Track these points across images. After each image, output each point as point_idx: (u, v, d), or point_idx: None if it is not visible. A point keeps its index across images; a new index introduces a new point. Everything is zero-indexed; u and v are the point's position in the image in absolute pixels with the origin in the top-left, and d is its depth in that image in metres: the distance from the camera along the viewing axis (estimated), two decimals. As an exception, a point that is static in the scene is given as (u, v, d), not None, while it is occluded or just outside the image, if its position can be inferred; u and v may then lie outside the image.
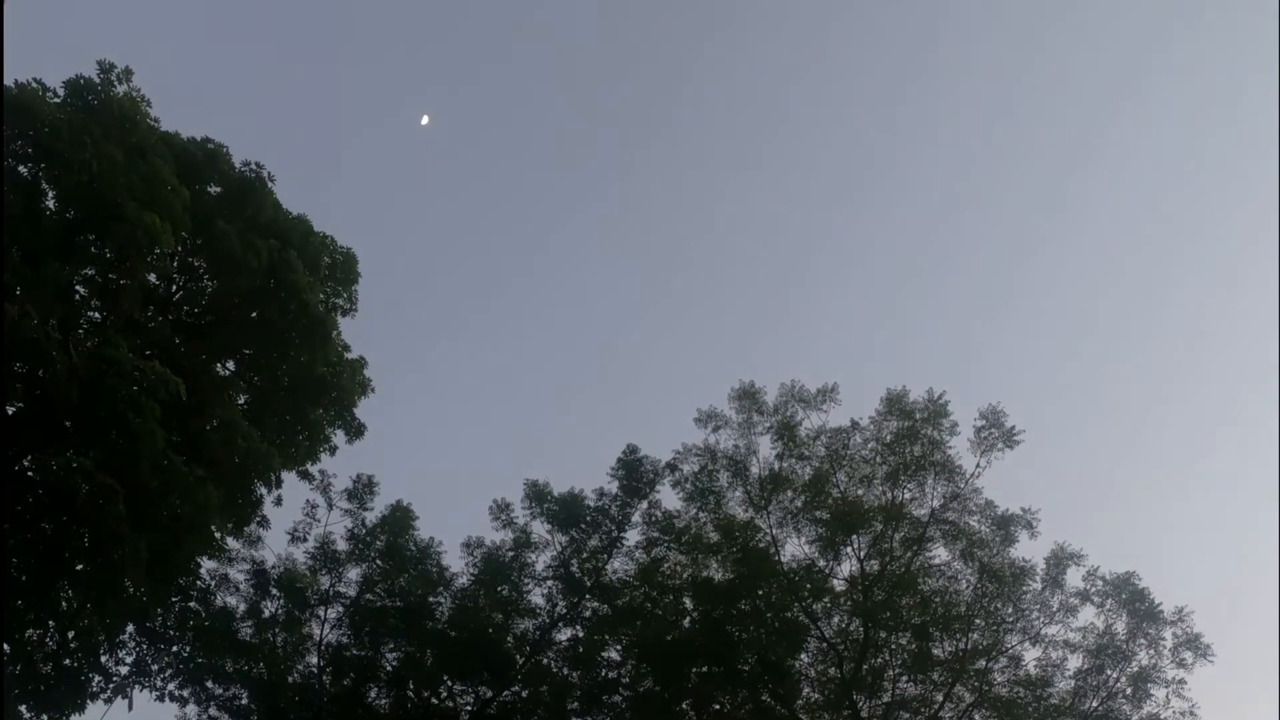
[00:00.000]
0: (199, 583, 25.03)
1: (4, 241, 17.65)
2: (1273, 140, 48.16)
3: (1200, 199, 63.93)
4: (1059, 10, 61.29)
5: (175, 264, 22.34)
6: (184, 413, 18.98)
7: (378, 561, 27.22)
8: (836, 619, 26.56)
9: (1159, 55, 61.88)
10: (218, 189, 22.83)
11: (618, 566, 27.25)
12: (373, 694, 26.96)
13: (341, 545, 27.24)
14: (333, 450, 25.22)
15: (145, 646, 23.70)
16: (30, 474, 18.10)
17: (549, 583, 27.38)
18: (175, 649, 24.40)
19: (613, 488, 27.16)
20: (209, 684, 25.64)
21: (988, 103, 66.43)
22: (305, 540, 27.07)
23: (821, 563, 26.35)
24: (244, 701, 25.90)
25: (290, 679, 26.50)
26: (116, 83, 20.67)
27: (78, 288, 20.83)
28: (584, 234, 73.67)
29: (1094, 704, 24.22)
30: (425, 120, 54.10)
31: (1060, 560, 25.04)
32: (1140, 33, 61.18)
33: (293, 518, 27.80)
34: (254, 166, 22.91)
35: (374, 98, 66.41)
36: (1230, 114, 60.78)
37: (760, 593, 26.19)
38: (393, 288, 67.72)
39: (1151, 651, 24.09)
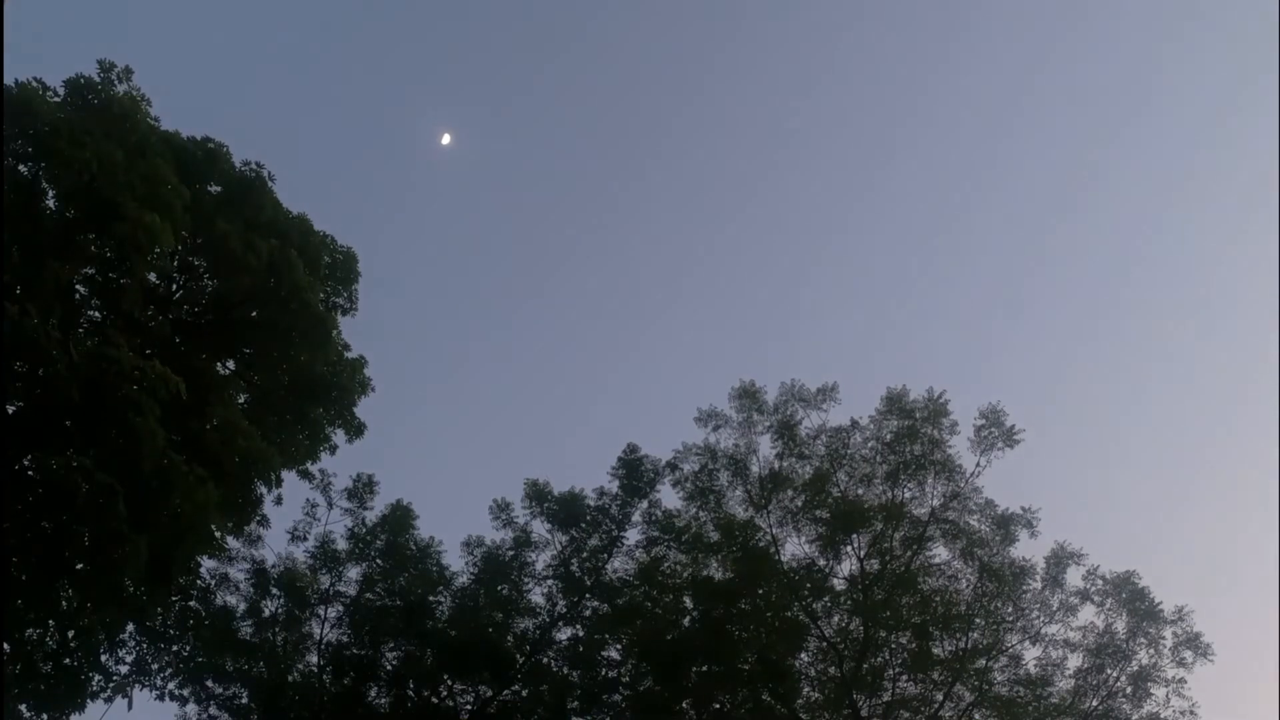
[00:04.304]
0: (199, 582, 24.99)
1: (4, 241, 17.64)
2: (1273, 141, 48.15)
3: (1205, 196, 63.92)
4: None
5: (175, 263, 22.29)
6: (184, 412, 18.92)
7: (378, 561, 27.24)
8: (836, 618, 26.61)
9: (1162, 56, 61.85)
10: (218, 188, 22.77)
11: (618, 566, 27.33)
12: (373, 693, 26.98)
13: (341, 544, 27.29)
14: (333, 449, 25.17)
15: (145, 646, 23.66)
16: (30, 474, 18.04)
17: (549, 582, 27.42)
18: (175, 648, 24.37)
19: (613, 487, 27.23)
20: (209, 683, 25.67)
21: (992, 101, 66.36)
22: (305, 539, 27.11)
23: (821, 562, 26.39)
24: (244, 701, 25.92)
25: (290, 678, 26.51)
26: (116, 82, 20.65)
27: (78, 287, 20.79)
28: (585, 233, 73.71)
29: (1094, 703, 24.28)
30: (446, 139, 55.18)
31: (1060, 559, 25.10)
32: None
33: (293, 517, 27.83)
34: (254, 166, 22.86)
35: (391, 110, 66.57)
36: (1231, 114, 60.78)
37: (760, 592, 26.22)
38: (393, 287, 67.66)
39: (1151, 651, 24.20)
